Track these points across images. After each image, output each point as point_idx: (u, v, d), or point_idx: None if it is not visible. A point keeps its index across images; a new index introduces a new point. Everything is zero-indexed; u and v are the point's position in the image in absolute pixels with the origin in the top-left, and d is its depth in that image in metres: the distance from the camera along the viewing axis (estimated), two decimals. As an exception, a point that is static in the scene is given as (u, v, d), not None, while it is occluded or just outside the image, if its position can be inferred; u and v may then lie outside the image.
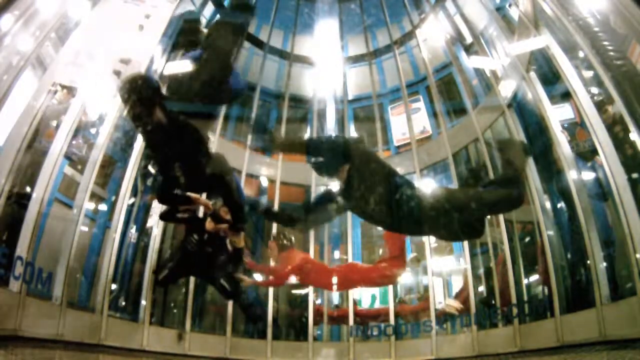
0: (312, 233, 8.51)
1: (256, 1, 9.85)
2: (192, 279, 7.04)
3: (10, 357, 4.16)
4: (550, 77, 6.45)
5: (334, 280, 4.96)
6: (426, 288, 7.85)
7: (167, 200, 3.96)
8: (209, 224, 4.36)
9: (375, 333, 7.49)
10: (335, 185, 3.05)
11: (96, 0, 5.73)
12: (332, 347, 7.69)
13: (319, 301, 8.22)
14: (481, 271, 7.70)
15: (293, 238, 5.09)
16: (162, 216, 4.74)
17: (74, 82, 5.53)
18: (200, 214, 4.69)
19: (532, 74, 6.74)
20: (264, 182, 9.74)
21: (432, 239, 8.62)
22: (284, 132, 9.48)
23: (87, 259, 6.24)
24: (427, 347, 7.03)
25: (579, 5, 5.17)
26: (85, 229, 6.17)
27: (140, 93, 2.65)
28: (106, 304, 5.87)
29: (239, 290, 5.06)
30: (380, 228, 5.03)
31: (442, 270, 8.30)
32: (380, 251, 8.87)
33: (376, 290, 8.24)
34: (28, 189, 4.99)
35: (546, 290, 6.14)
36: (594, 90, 5.54)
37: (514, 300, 6.52)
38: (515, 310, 6.40)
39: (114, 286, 6.30)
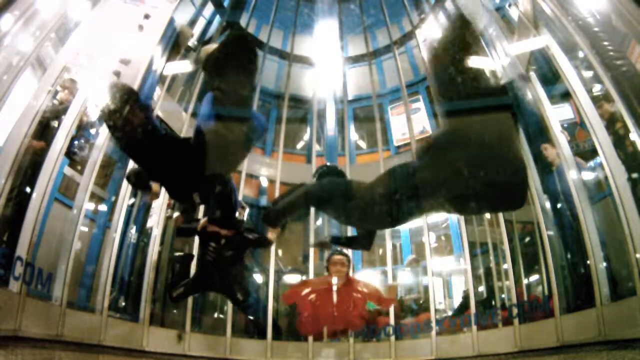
0: (312, 233, 8.52)
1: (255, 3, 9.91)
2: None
3: (10, 357, 4.16)
4: (550, 77, 6.46)
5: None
6: (426, 288, 7.85)
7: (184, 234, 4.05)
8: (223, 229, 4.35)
9: (374, 333, 7.49)
10: None
11: (96, 0, 5.73)
12: (332, 347, 7.69)
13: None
14: (481, 271, 7.72)
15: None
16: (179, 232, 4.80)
17: (75, 82, 5.54)
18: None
19: (532, 74, 6.74)
20: (264, 182, 9.75)
21: (432, 239, 8.65)
22: (284, 133, 9.46)
23: (87, 259, 6.24)
24: (427, 347, 7.02)
25: (579, 5, 5.17)
26: (85, 229, 6.18)
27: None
28: (106, 304, 5.86)
29: (249, 299, 5.03)
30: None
31: (442, 271, 8.31)
32: (380, 251, 8.88)
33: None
34: (28, 189, 4.98)
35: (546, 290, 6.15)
36: (594, 90, 5.54)
37: (514, 300, 6.54)
38: (515, 310, 6.41)
39: (114, 286, 6.29)
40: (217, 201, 3.42)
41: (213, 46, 2.69)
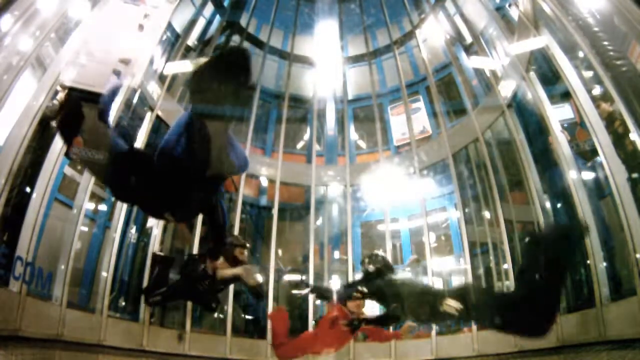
0: (312, 233, 8.52)
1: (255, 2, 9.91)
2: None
3: (10, 357, 4.16)
4: (550, 77, 6.46)
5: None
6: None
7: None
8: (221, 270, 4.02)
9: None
10: None
11: (96, 0, 5.73)
12: (332, 347, 7.68)
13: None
14: (481, 271, 7.72)
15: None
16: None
17: (74, 82, 5.52)
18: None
19: (532, 74, 6.74)
20: (264, 182, 9.75)
21: (432, 239, 8.64)
22: (284, 133, 9.45)
23: (87, 259, 6.24)
24: (427, 347, 7.03)
25: (579, 5, 5.17)
26: (85, 229, 6.18)
27: None
28: (106, 304, 5.87)
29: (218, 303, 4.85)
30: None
31: (442, 271, 8.30)
32: (381, 250, 8.85)
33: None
34: (28, 189, 4.98)
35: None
36: (594, 90, 5.54)
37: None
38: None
39: (114, 286, 6.29)
40: (209, 227, 3.17)
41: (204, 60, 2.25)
